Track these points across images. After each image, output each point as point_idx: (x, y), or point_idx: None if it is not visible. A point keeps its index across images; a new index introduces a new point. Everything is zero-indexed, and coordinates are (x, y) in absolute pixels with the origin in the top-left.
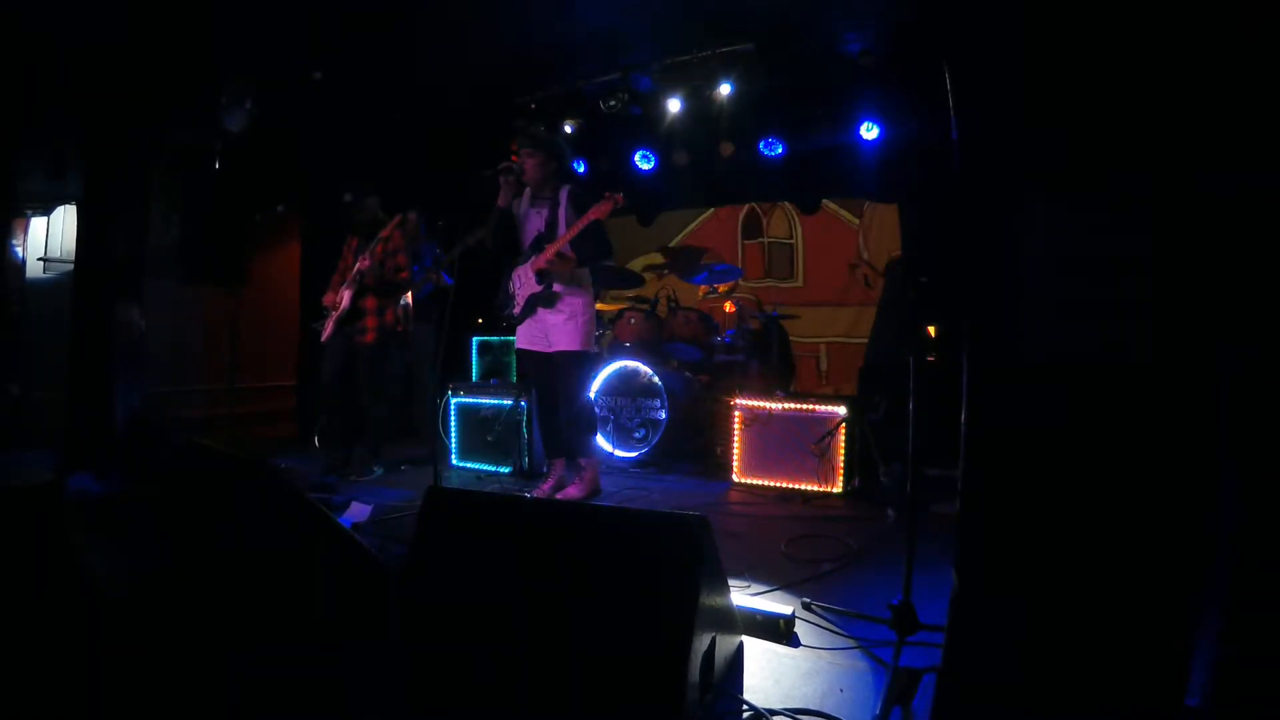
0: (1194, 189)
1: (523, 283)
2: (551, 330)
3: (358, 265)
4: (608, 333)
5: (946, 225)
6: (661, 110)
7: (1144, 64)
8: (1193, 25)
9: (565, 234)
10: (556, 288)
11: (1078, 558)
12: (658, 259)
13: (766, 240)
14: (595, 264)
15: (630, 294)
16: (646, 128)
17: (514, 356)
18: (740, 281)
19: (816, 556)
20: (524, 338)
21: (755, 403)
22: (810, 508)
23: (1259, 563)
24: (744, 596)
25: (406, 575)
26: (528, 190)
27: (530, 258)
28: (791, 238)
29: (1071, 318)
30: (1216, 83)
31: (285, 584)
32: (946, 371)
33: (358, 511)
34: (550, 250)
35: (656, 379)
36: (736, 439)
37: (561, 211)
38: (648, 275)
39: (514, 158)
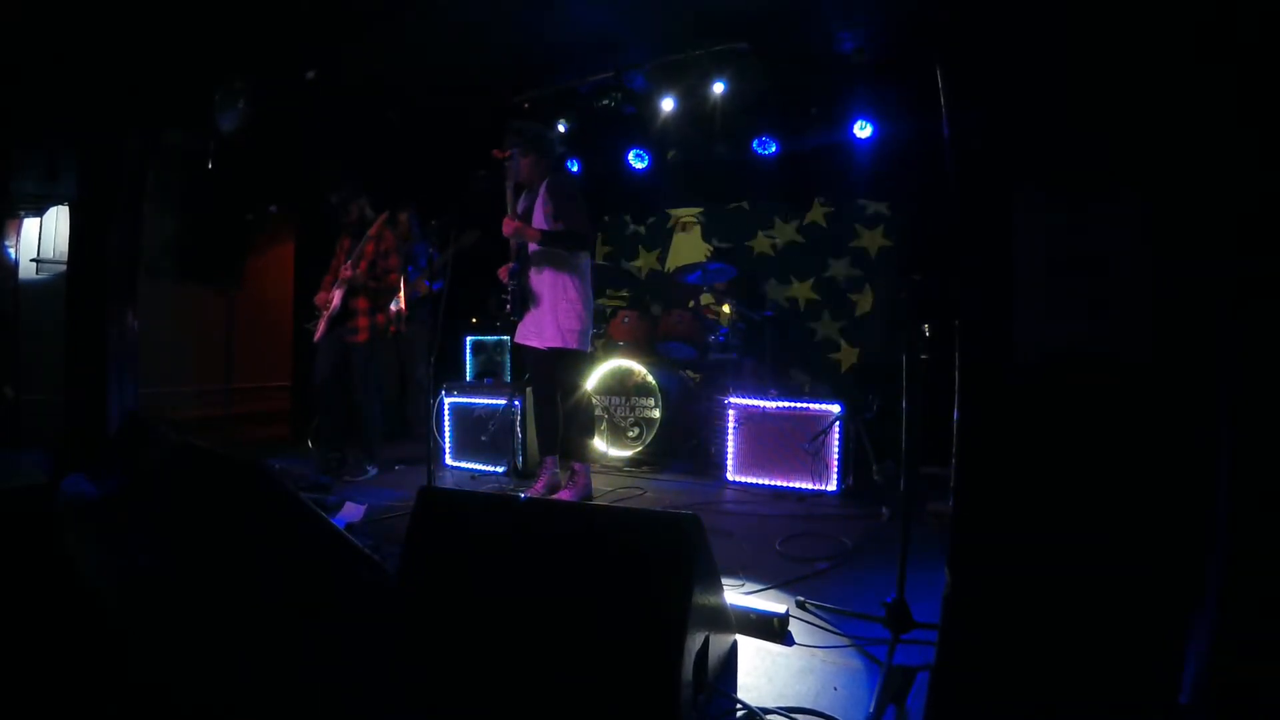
0: (1189, 188)
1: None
2: (544, 326)
3: (347, 268)
4: (603, 329)
5: (939, 223)
6: (655, 109)
7: (1138, 63)
8: (1190, 25)
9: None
10: (535, 283)
11: (1071, 556)
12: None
13: None
14: (565, 235)
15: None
16: (640, 127)
17: (508, 356)
18: None
19: (811, 555)
20: (520, 331)
21: (749, 401)
22: (804, 506)
23: (1252, 561)
24: (738, 595)
25: (400, 575)
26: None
27: None
28: None
29: (1064, 316)
30: (1212, 83)
31: (280, 585)
32: (940, 369)
33: (351, 512)
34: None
35: (651, 378)
36: (730, 438)
37: (539, 202)
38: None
39: (506, 157)
